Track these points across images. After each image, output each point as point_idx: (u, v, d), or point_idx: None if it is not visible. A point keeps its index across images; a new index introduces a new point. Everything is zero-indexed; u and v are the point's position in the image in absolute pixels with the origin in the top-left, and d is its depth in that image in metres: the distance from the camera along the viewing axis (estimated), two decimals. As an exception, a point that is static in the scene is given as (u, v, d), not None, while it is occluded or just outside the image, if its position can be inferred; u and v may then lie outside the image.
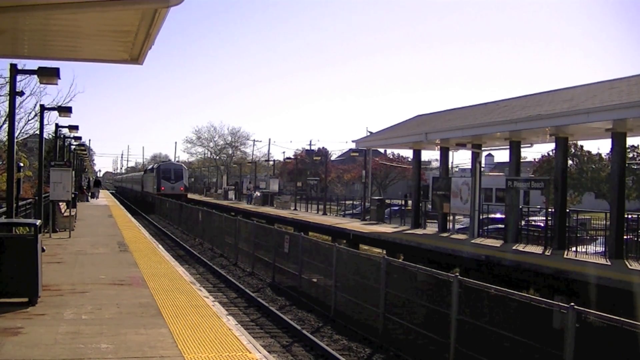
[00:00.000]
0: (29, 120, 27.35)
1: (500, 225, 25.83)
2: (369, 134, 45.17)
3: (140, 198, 68.49)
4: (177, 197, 50.46)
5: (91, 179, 76.00)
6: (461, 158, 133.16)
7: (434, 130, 25.96)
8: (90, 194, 53.54)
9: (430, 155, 70.46)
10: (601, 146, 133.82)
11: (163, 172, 59.96)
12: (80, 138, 38.12)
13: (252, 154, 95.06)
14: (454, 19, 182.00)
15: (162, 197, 53.22)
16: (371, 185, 50.06)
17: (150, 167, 75.82)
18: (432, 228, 29.24)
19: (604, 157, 49.61)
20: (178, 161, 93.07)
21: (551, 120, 19.32)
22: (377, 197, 42.76)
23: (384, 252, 22.70)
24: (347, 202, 50.09)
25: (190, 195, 62.88)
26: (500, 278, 16.82)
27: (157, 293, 11.72)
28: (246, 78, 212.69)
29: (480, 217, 25.07)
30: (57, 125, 28.91)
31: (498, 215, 28.86)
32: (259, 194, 56.47)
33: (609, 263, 17.09)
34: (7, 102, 15.58)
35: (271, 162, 78.35)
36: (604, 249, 18.95)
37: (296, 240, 19.73)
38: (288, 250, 20.45)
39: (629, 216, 19.99)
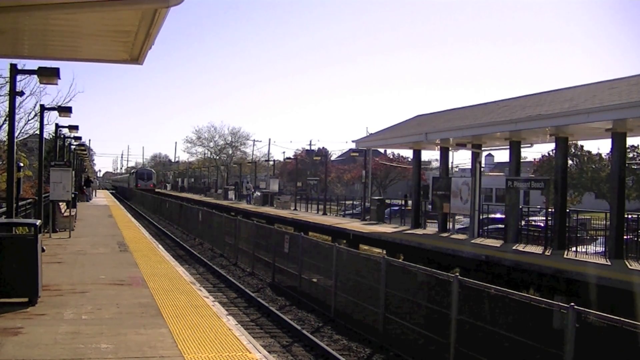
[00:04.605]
0: (29, 120, 27.35)
1: (500, 225, 25.82)
2: (368, 134, 45.16)
3: (128, 192, 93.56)
4: (148, 191, 76.73)
5: (91, 178, 75.95)
6: (461, 158, 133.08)
7: (434, 130, 25.95)
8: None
9: (430, 155, 70.42)
10: (601, 146, 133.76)
11: (139, 174, 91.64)
12: (80, 138, 38.12)
13: (252, 154, 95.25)
14: (454, 19, 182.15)
15: (138, 191, 78.96)
16: (371, 185, 50.06)
17: (132, 171, 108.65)
18: (432, 228, 29.23)
19: (604, 157, 49.65)
20: (177, 161, 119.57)
21: (551, 120, 19.31)
22: (377, 197, 42.74)
23: (384, 252, 22.69)
24: (347, 202, 50.06)
25: (190, 196, 72.31)
26: (500, 278, 16.82)
27: (157, 293, 11.72)
28: (246, 78, 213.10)
29: (480, 217, 25.06)
30: (57, 125, 28.92)
31: (498, 215, 28.85)
32: (258, 194, 56.40)
33: (609, 263, 17.09)
34: (7, 102, 15.57)
35: (271, 162, 78.26)
36: (604, 249, 18.94)
37: (296, 240, 19.73)
38: (288, 250, 20.45)
39: (629, 216, 19.98)
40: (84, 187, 53.82)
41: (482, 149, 26.08)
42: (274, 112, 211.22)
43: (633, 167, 47.60)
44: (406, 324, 13.61)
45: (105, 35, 8.44)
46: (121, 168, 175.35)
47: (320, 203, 46.64)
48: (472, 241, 22.65)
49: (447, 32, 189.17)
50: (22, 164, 21.73)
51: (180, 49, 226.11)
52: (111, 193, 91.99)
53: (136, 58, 9.21)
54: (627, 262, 17.35)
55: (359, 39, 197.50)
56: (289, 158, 78.80)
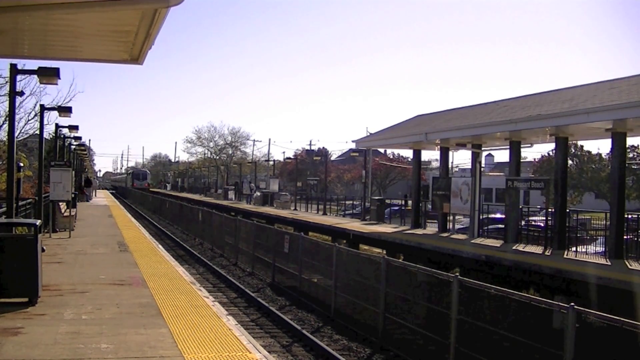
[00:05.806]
0: (29, 120, 27.34)
1: (500, 225, 25.81)
2: (368, 134, 45.15)
3: (125, 190, 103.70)
4: (143, 189, 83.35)
5: (91, 178, 75.84)
6: (461, 158, 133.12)
7: (434, 130, 25.95)
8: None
9: (430, 155, 70.41)
10: (601, 146, 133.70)
11: (135, 174, 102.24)
12: (80, 138, 38.10)
13: (252, 154, 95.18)
14: (454, 19, 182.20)
15: (137, 190, 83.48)
16: (371, 185, 50.05)
17: (129, 172, 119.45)
18: (432, 228, 29.22)
19: (604, 157, 49.69)
20: (177, 161, 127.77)
21: (551, 120, 19.30)
22: (377, 197, 42.74)
23: (384, 252, 22.69)
24: (347, 202, 50.03)
25: (190, 196, 73.19)
26: (500, 278, 16.82)
27: (157, 293, 11.72)
28: (246, 78, 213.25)
29: (480, 217, 25.05)
30: (57, 125, 28.92)
31: (498, 215, 28.83)
32: (258, 194, 56.37)
33: (609, 263, 17.08)
34: (7, 102, 15.56)
35: (271, 162, 78.22)
36: (604, 249, 18.93)
37: (296, 240, 19.72)
38: (288, 250, 20.45)
39: (629, 216, 19.97)
40: (84, 187, 53.75)
41: (482, 149, 26.07)
42: (274, 112, 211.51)
43: (633, 167, 47.62)
44: (406, 324, 13.60)
45: (105, 35, 8.44)
46: (121, 168, 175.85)
47: (320, 203, 46.63)
48: (472, 241, 22.64)
49: (447, 32, 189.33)
50: (22, 164, 21.72)
51: (180, 49, 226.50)
52: (111, 193, 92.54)
53: (136, 58, 9.21)
54: (627, 262, 17.34)
55: (359, 39, 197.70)
56: (289, 158, 78.80)
